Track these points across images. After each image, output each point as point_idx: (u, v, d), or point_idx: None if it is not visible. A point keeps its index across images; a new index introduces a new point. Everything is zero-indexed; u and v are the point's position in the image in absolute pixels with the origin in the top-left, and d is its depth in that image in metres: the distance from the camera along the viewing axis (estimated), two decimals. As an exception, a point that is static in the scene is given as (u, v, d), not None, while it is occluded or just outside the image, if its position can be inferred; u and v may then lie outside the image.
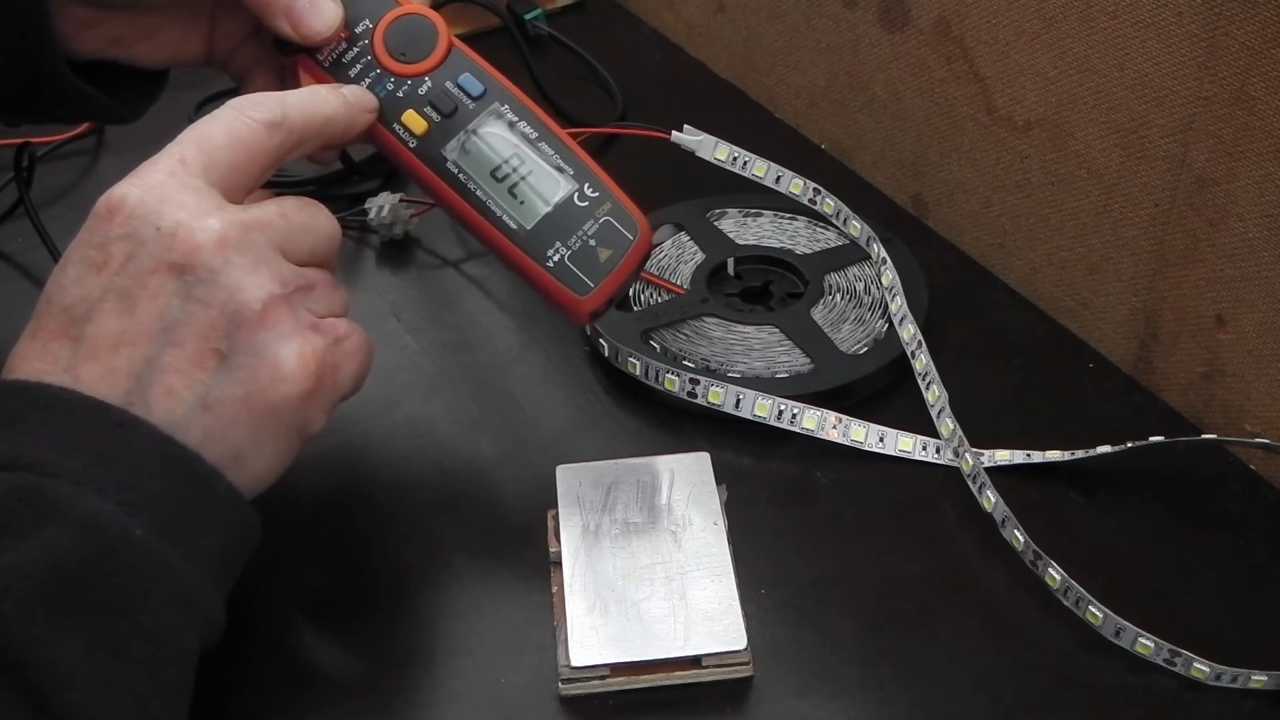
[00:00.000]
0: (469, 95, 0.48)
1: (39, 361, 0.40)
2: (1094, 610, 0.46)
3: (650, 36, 0.86)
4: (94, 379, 0.40)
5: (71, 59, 0.50)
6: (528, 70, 0.76)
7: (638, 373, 0.56)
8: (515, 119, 0.47)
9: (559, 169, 0.47)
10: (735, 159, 0.62)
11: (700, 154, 0.62)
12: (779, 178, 0.62)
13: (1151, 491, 0.52)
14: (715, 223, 0.65)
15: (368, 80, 0.48)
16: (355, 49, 0.48)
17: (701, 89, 0.80)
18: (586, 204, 0.47)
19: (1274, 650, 0.45)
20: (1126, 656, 0.46)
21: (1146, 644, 0.45)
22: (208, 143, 0.43)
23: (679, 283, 0.61)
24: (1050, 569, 0.47)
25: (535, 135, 0.48)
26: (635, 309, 0.60)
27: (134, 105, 0.55)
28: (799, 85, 0.74)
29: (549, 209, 0.47)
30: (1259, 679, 0.44)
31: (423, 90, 0.48)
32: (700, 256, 0.63)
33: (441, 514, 0.52)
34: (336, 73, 0.48)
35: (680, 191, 0.67)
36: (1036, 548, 0.48)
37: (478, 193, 0.47)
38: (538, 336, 0.61)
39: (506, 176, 0.47)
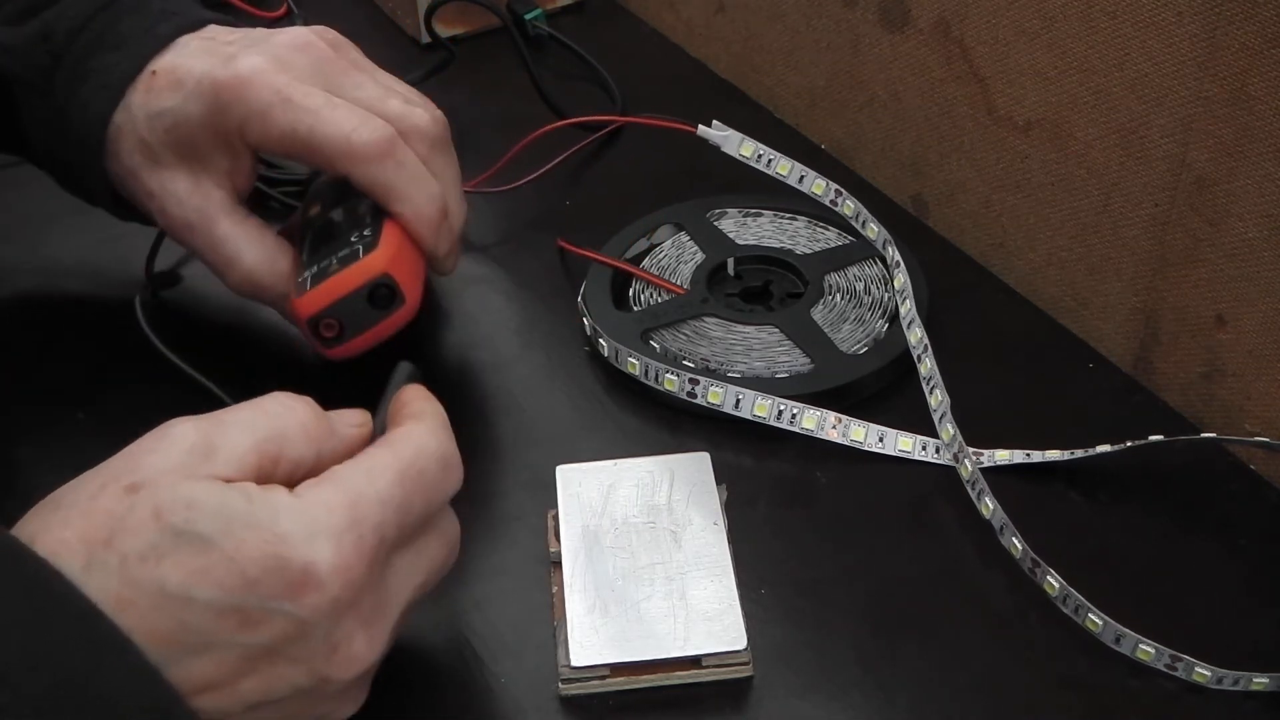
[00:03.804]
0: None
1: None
2: (1094, 618, 0.46)
3: (650, 36, 0.86)
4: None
5: None
6: (527, 70, 0.75)
7: (638, 373, 0.56)
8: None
9: (365, 227, 0.51)
10: (760, 156, 0.62)
11: (725, 149, 0.62)
12: (802, 177, 0.62)
13: (1151, 491, 0.52)
14: (715, 223, 0.65)
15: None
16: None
17: (701, 89, 0.80)
18: (355, 239, 0.51)
19: (1275, 651, 0.45)
20: (1127, 659, 0.46)
21: (1147, 650, 0.45)
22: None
23: (679, 283, 0.61)
24: (1049, 577, 0.47)
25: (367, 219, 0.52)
26: (635, 309, 0.60)
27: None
28: (799, 85, 0.74)
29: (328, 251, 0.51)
30: (1260, 681, 0.44)
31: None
32: (700, 256, 0.63)
33: (441, 514, 0.52)
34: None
35: (680, 191, 0.67)
36: (1035, 556, 0.47)
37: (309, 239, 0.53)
38: (538, 336, 0.61)
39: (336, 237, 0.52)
